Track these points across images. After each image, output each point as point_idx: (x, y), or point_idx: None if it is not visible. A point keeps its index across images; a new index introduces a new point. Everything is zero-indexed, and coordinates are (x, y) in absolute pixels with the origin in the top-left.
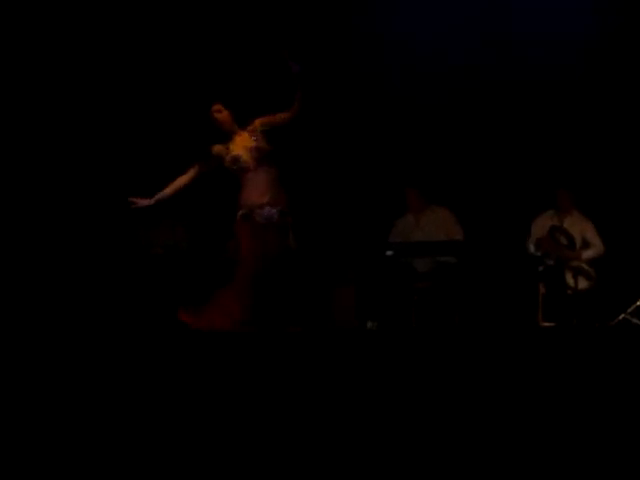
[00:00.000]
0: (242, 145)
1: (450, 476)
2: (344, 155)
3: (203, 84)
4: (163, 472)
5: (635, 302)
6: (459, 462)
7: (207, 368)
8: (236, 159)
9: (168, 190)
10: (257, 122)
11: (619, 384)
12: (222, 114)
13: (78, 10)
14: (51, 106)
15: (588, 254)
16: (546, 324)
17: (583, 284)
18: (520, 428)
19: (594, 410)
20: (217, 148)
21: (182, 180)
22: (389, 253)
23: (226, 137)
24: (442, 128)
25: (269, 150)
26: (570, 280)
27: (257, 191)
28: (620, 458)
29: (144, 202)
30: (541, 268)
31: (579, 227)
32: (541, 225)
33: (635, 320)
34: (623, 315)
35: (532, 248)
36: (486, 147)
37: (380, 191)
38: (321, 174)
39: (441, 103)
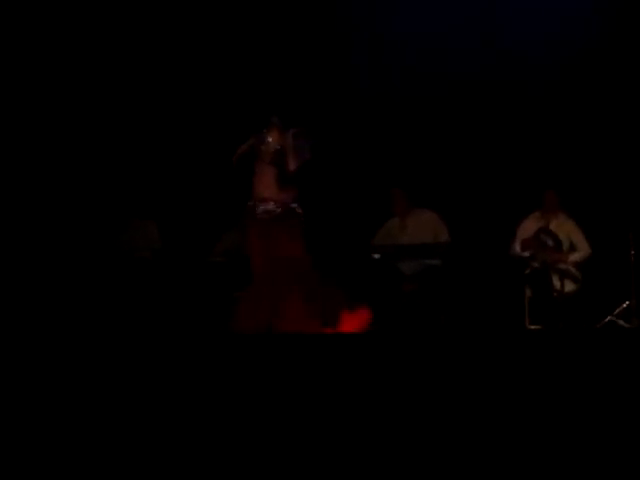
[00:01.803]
0: (274, 138)
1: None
2: (332, 158)
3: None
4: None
5: (621, 304)
6: (446, 463)
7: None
8: (256, 140)
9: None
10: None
11: (606, 386)
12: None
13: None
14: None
15: (575, 257)
16: (532, 327)
17: (569, 287)
18: (507, 430)
19: (581, 412)
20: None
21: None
22: (376, 256)
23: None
24: (428, 130)
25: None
26: (556, 283)
27: (262, 184)
28: (607, 459)
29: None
30: (527, 271)
31: (565, 229)
32: (527, 227)
33: (621, 322)
34: (609, 317)
35: (518, 250)
36: (473, 149)
37: (367, 193)
38: (306, 177)
39: (427, 105)
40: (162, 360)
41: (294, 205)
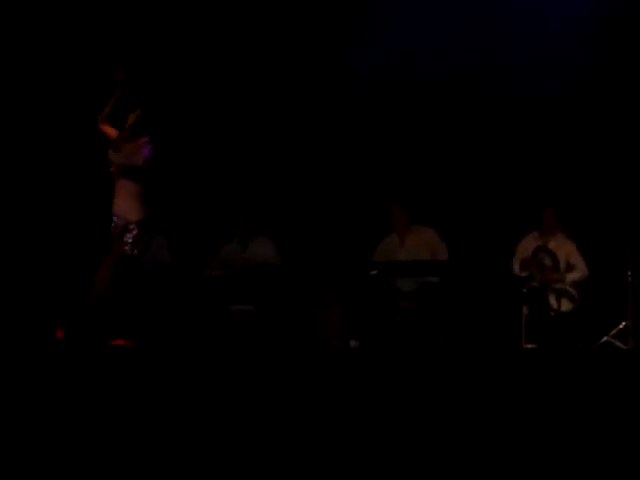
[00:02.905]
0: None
1: None
2: (330, 174)
3: None
4: None
5: (618, 325)
6: None
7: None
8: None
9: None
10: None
11: (601, 406)
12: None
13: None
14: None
15: (572, 277)
16: (529, 346)
17: (566, 306)
18: (503, 447)
19: (577, 432)
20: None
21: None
22: (373, 272)
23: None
24: (429, 144)
25: (130, 166)
26: (553, 302)
27: (115, 199)
28: (603, 478)
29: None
30: (525, 290)
31: (564, 249)
32: (526, 246)
33: (618, 343)
34: (606, 337)
35: (516, 269)
36: (471, 169)
37: (366, 209)
38: (307, 192)
39: (428, 108)
40: (158, 371)
41: (132, 227)
